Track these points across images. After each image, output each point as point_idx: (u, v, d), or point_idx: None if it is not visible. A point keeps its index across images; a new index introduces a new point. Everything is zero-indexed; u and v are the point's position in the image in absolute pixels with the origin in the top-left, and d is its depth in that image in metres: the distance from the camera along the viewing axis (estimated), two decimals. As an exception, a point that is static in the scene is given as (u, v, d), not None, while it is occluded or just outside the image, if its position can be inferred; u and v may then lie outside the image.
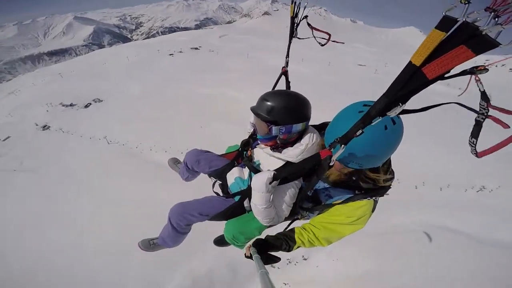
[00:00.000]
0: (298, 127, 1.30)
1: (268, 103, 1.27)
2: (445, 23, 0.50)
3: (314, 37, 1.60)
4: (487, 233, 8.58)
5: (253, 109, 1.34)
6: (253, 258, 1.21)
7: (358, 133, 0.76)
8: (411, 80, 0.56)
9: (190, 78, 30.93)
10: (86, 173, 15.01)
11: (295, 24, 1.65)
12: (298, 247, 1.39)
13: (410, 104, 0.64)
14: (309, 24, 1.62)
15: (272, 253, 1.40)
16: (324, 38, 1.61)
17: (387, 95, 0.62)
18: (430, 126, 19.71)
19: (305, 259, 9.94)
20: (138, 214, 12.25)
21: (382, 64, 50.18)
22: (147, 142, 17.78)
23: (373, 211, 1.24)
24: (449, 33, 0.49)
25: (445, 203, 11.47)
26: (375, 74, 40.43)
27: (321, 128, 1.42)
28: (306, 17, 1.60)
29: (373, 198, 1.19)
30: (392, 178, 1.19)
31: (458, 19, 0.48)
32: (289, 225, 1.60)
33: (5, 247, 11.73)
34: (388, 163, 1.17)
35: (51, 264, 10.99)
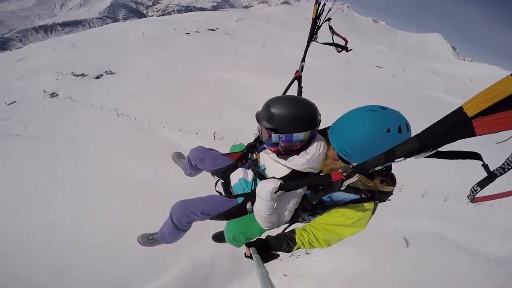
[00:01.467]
0: (299, 136, 1.26)
1: (271, 110, 1.24)
2: None
3: (334, 43, 1.54)
4: (478, 246, 9.14)
5: (257, 116, 1.32)
6: (253, 258, 1.20)
7: (377, 168, 0.75)
8: (455, 130, 0.50)
9: (205, 59, 29.78)
10: (92, 144, 14.27)
11: (317, 26, 1.57)
12: (298, 248, 1.39)
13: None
14: (330, 28, 1.55)
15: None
16: (340, 46, 1.51)
17: (421, 139, 0.58)
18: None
19: (307, 253, 10.10)
20: (144, 194, 11.45)
21: (400, 69, 48.35)
22: (158, 118, 17.00)
23: (373, 213, 1.23)
24: None
25: (443, 214, 12.00)
26: (392, 78, 38.79)
27: (324, 132, 1.38)
28: (329, 19, 1.55)
29: (376, 201, 1.18)
30: (393, 185, 1.18)
31: None
32: (288, 226, 1.59)
33: (2, 217, 11.09)
34: (388, 169, 1.18)
35: (44, 240, 10.36)
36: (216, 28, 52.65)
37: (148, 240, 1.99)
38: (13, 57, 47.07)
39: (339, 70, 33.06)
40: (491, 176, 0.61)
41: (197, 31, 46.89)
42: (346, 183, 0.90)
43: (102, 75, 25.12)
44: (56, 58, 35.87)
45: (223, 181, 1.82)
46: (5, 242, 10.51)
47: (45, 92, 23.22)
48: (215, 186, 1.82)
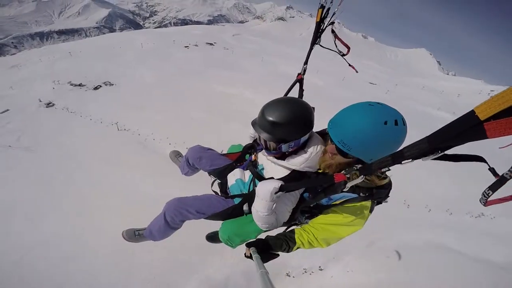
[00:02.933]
0: (305, 138, 1.28)
1: (272, 119, 1.19)
2: None
3: (336, 45, 1.59)
4: (483, 254, 9.59)
5: (254, 126, 1.28)
6: (253, 258, 1.21)
7: (384, 169, 0.76)
8: (466, 133, 0.52)
9: (205, 73, 29.95)
10: (90, 159, 13.76)
11: (320, 30, 1.58)
12: (298, 248, 1.40)
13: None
14: (333, 31, 1.59)
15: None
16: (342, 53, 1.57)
17: (431, 141, 0.59)
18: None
19: (321, 270, 10.01)
20: (147, 210, 10.94)
21: (392, 85, 50.14)
22: (160, 133, 16.69)
23: (371, 212, 1.25)
24: None
25: (448, 226, 12.41)
26: (386, 94, 40.02)
27: (322, 133, 1.42)
28: (332, 23, 1.57)
29: (373, 200, 1.18)
30: (387, 180, 1.19)
31: None
32: (287, 229, 1.58)
33: None
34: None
35: (41, 260, 9.68)
36: (214, 43, 53.55)
37: (134, 235, 1.92)
38: (6, 63, 46.12)
39: (337, 87, 33.85)
40: (501, 180, 0.62)
41: (196, 45, 47.49)
42: (349, 184, 0.91)
43: (100, 86, 24.76)
44: (53, 66, 35.34)
45: (220, 181, 1.80)
46: (1, 257, 9.81)
47: (40, 101, 22.57)
48: (212, 186, 1.81)
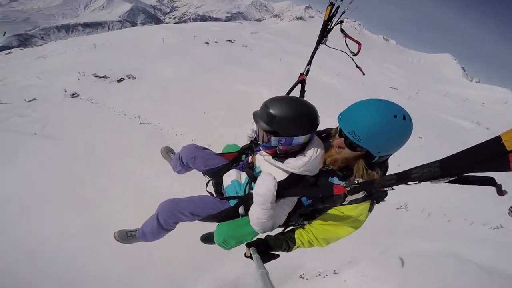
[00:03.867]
0: (299, 139, 1.24)
1: (270, 111, 1.19)
2: None
3: (347, 45, 1.51)
4: (498, 265, 9.26)
5: (254, 116, 1.29)
6: (253, 258, 1.20)
7: (387, 188, 0.76)
8: (487, 163, 0.46)
9: (225, 70, 29.88)
10: (111, 151, 13.85)
11: (328, 29, 1.55)
12: (298, 247, 1.40)
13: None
14: (342, 31, 1.55)
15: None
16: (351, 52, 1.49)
17: (444, 167, 0.55)
18: None
19: (335, 273, 9.96)
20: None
21: (414, 90, 48.39)
22: (180, 128, 16.71)
23: (370, 211, 1.24)
24: None
25: (466, 236, 12.12)
26: (408, 100, 38.43)
27: (323, 134, 1.43)
28: (341, 22, 1.53)
29: (373, 201, 1.18)
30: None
31: None
32: (284, 229, 1.57)
33: (3, 224, 10.48)
34: (386, 166, 1.20)
35: (56, 253, 9.73)
36: (234, 40, 53.51)
37: (126, 236, 1.90)
38: (34, 54, 48.30)
39: (356, 92, 32.76)
40: None
41: (215, 41, 47.59)
42: (349, 198, 0.90)
43: (123, 79, 25.19)
44: (78, 58, 36.47)
45: (215, 181, 1.76)
46: (15, 248, 9.97)
47: (66, 91, 23.23)
48: (206, 186, 1.78)
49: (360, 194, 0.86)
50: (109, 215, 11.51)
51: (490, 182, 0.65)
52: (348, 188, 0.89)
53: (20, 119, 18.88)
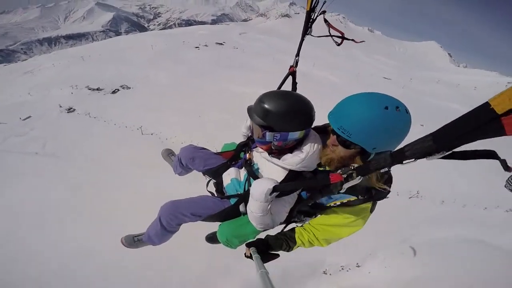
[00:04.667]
0: (295, 135, 1.22)
1: (265, 105, 1.18)
2: None
3: (331, 35, 1.50)
4: None
5: (249, 110, 1.26)
6: (253, 258, 1.20)
7: (382, 170, 0.72)
8: (479, 130, 0.46)
9: (219, 73, 29.86)
10: (117, 164, 13.75)
11: (311, 20, 1.53)
12: (298, 247, 1.39)
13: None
14: (326, 20, 1.50)
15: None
16: (336, 38, 1.50)
17: (437, 140, 0.54)
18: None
19: (358, 266, 10.09)
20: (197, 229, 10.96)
21: (407, 79, 49.36)
22: (182, 136, 16.60)
23: (371, 212, 1.22)
24: None
25: (481, 221, 12.25)
26: (403, 89, 39.14)
27: (321, 129, 1.38)
28: (324, 12, 1.49)
29: (374, 202, 1.16)
30: (388, 183, 1.15)
31: None
32: (285, 227, 1.56)
33: (23, 243, 10.40)
34: (388, 173, 1.16)
35: (80, 268, 9.67)
36: (224, 42, 53.46)
37: (133, 241, 1.92)
38: (19, 69, 47.09)
39: (352, 83, 33.24)
40: None
41: (205, 45, 47.50)
42: (346, 185, 0.88)
43: (118, 90, 24.90)
44: (67, 71, 35.79)
45: (215, 181, 1.78)
46: (31, 265, 9.87)
47: (61, 107, 22.82)
48: (207, 186, 1.79)
49: (357, 180, 0.83)
50: (126, 227, 11.23)
51: (491, 155, 0.61)
52: (345, 175, 0.87)
53: (19, 139, 18.74)
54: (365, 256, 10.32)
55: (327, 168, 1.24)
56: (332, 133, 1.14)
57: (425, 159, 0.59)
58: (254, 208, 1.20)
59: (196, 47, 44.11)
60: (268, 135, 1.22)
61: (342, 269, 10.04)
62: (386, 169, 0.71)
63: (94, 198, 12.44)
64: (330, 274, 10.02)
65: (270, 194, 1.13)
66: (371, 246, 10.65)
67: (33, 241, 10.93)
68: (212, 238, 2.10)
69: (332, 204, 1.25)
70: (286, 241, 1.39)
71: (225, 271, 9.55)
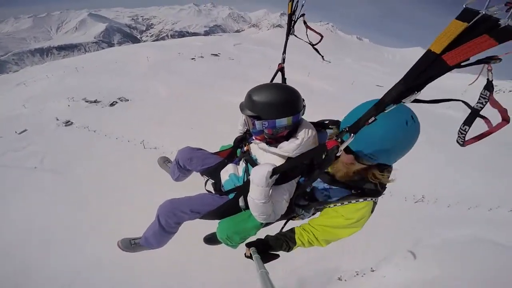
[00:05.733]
0: (282, 122, 1.26)
1: (253, 97, 1.24)
2: (466, 14, 0.55)
3: (307, 35, 1.64)
4: None
5: (240, 104, 1.32)
6: (253, 258, 1.21)
7: (370, 120, 0.77)
8: (430, 68, 0.59)
9: (217, 84, 30.15)
10: (122, 179, 13.61)
11: (292, 22, 1.65)
12: (298, 247, 1.40)
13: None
14: (305, 23, 1.65)
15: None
16: (313, 45, 1.67)
17: (404, 82, 0.65)
18: (472, 155, 20.02)
19: (372, 271, 10.28)
20: (191, 230, 10.88)
21: (399, 87, 50.31)
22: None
23: (371, 212, 1.22)
24: (470, 24, 0.54)
25: (488, 221, 12.77)
26: (397, 97, 40.28)
27: (318, 125, 1.43)
28: (303, 15, 1.61)
29: (372, 199, 1.18)
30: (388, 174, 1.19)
31: (480, 11, 0.52)
32: (284, 225, 1.61)
33: (30, 263, 10.15)
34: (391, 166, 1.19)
35: (90, 284, 9.49)
36: (219, 53, 54.13)
37: (130, 245, 1.88)
38: (11, 81, 46.23)
39: (347, 92, 34.04)
40: (474, 112, 0.69)
41: (201, 56, 47.99)
42: (342, 147, 0.90)
43: (116, 102, 24.75)
44: (62, 83, 35.39)
45: (213, 180, 1.78)
46: (38, 280, 9.65)
47: (58, 120, 22.53)
48: (205, 186, 1.78)
49: (351, 139, 0.85)
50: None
51: (454, 99, 0.83)
52: (339, 140, 0.90)
53: (16, 154, 18.21)
54: (379, 260, 10.59)
55: (343, 180, 1.26)
56: (346, 152, 1.10)
57: (402, 102, 0.68)
58: (256, 195, 1.20)
59: (192, 59, 44.54)
60: (257, 124, 1.28)
61: (357, 274, 10.23)
62: (374, 118, 0.79)
63: (99, 214, 12.25)
64: (345, 280, 10.19)
65: (270, 177, 1.14)
66: (384, 250, 11.05)
67: (39, 256, 10.69)
68: (210, 239, 2.09)
69: (332, 206, 1.26)
70: (286, 241, 1.40)
71: (240, 285, 9.45)
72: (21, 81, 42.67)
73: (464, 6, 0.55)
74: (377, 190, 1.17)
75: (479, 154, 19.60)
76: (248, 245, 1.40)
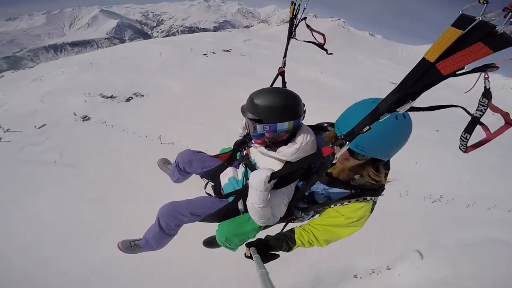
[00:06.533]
0: (283, 126, 1.28)
1: (254, 101, 1.25)
2: (462, 21, 0.52)
3: (314, 37, 1.62)
4: None
5: (241, 107, 1.33)
6: (253, 258, 1.23)
7: (365, 129, 0.79)
8: (425, 76, 0.58)
9: (229, 80, 29.96)
10: (139, 175, 13.62)
11: (294, 25, 1.65)
12: (298, 247, 1.42)
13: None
14: (308, 26, 1.64)
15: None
16: (318, 45, 1.65)
17: (398, 90, 0.65)
18: (486, 158, 19.54)
19: (388, 269, 10.46)
20: (209, 229, 10.83)
21: (413, 85, 49.34)
22: (200, 144, 16.49)
23: (371, 212, 1.26)
24: (466, 31, 0.52)
25: (504, 222, 12.74)
26: (414, 95, 39.42)
27: (316, 128, 1.46)
28: (305, 18, 1.62)
29: (372, 199, 1.21)
30: (386, 170, 1.24)
31: (476, 18, 0.50)
32: (284, 226, 1.61)
33: (46, 259, 10.25)
34: (388, 165, 1.24)
35: (107, 280, 9.54)
36: (230, 49, 53.83)
37: (130, 246, 1.88)
38: (28, 76, 47.62)
39: (362, 90, 33.20)
40: (474, 120, 0.68)
41: (213, 52, 47.85)
42: (338, 154, 0.93)
43: (132, 98, 24.93)
44: (77, 79, 36.02)
45: (213, 183, 1.79)
46: (67, 277, 9.79)
47: (75, 115, 22.90)
48: (205, 189, 1.78)
49: (346, 146, 0.88)
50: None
51: (452, 105, 0.78)
52: (335, 147, 0.92)
53: (36, 148, 18.71)
54: (395, 259, 10.78)
55: (340, 178, 1.27)
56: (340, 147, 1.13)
57: (397, 111, 0.66)
58: (255, 199, 1.21)
59: (204, 54, 44.43)
60: (259, 127, 1.27)
61: (373, 272, 10.50)
62: (368, 127, 0.80)
63: (116, 210, 12.30)
64: (361, 278, 10.40)
65: (269, 182, 1.15)
66: (400, 249, 11.23)
67: (56, 252, 10.83)
68: (210, 242, 2.09)
69: (332, 206, 1.28)
70: (286, 241, 1.41)
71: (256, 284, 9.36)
72: (37, 76, 43.82)
73: (460, 12, 0.52)
74: (375, 190, 1.19)
75: (496, 154, 19.07)
76: (248, 245, 1.39)
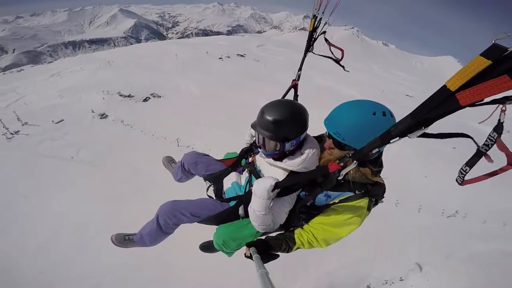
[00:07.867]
0: (303, 136, 1.33)
1: (276, 119, 1.25)
2: (493, 51, 0.49)
3: (331, 52, 1.63)
4: None
5: (259, 130, 1.31)
6: (253, 258, 1.24)
7: (374, 151, 0.81)
8: (442, 105, 0.58)
9: (246, 85, 29.93)
10: (156, 176, 13.44)
11: (313, 39, 1.66)
12: (298, 248, 1.44)
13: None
14: (326, 40, 1.65)
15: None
16: (335, 60, 1.63)
17: (413, 117, 0.64)
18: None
19: (401, 280, 10.41)
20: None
21: (427, 97, 48.58)
22: (217, 149, 16.38)
23: (369, 210, 1.28)
24: (494, 62, 0.49)
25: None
26: (429, 109, 38.61)
27: (318, 138, 1.50)
28: (324, 32, 1.63)
29: (370, 198, 1.24)
30: (380, 171, 1.27)
31: (509, 49, 0.47)
32: (285, 231, 1.60)
33: (62, 260, 10.10)
34: (380, 163, 1.26)
35: (123, 283, 9.30)
36: (244, 54, 54.16)
37: (124, 240, 1.90)
38: (46, 71, 48.90)
39: (378, 101, 32.62)
40: (478, 154, 0.65)
41: (228, 56, 48.22)
42: (344, 171, 0.94)
43: (149, 98, 25.08)
44: (95, 76, 36.74)
45: (215, 186, 1.83)
46: (83, 280, 9.65)
47: (93, 112, 23.17)
48: (207, 191, 1.82)
49: (353, 165, 0.89)
50: (173, 240, 10.99)
51: (463, 135, 0.73)
52: (342, 164, 0.93)
53: (54, 143, 18.77)
54: (409, 270, 10.75)
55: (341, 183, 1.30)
56: (328, 137, 1.25)
57: (407, 137, 0.66)
58: (257, 206, 1.22)
59: (220, 58, 44.77)
60: (287, 145, 1.28)
61: (386, 283, 10.48)
62: (378, 149, 0.79)
63: (132, 210, 12.06)
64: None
65: (272, 190, 1.16)
66: (415, 260, 11.21)
67: (72, 253, 10.67)
68: (206, 246, 2.09)
69: (331, 203, 1.28)
70: (286, 241, 1.41)
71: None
72: (55, 72, 44.93)
73: (492, 41, 0.48)
74: (374, 189, 1.22)
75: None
76: (248, 245, 1.39)
